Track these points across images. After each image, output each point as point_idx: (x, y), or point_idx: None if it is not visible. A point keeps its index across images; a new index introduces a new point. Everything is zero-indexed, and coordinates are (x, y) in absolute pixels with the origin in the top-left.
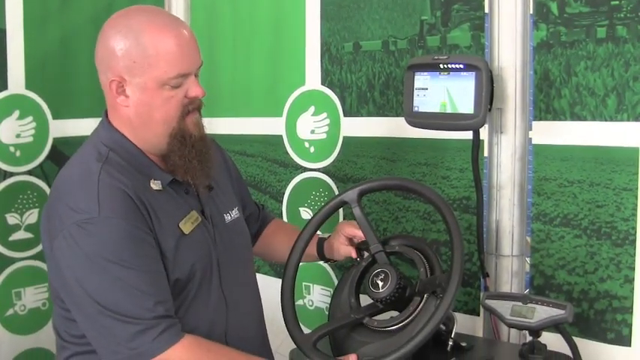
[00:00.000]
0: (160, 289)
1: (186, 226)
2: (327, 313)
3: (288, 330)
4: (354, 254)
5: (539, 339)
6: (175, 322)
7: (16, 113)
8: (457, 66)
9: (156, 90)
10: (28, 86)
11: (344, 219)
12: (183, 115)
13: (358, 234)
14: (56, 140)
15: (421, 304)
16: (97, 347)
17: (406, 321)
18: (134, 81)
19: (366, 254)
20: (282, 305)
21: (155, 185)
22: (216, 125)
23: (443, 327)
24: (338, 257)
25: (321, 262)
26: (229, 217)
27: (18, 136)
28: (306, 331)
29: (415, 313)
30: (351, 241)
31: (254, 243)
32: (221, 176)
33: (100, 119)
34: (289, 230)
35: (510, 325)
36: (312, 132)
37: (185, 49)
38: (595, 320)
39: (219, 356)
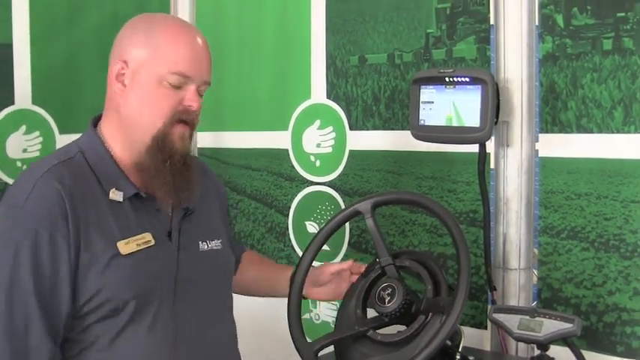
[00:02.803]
0: (53, 315)
1: (127, 246)
2: (333, 327)
3: (291, 336)
4: (346, 264)
5: (547, 352)
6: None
7: (23, 128)
8: (463, 79)
9: (154, 84)
10: (34, 101)
11: (351, 232)
12: (172, 121)
13: (342, 266)
14: None
15: (427, 321)
16: None
17: (410, 337)
18: (134, 68)
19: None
20: (288, 311)
21: (115, 195)
22: (221, 139)
23: (449, 342)
24: (318, 295)
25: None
26: (205, 247)
27: (25, 150)
28: None
29: (420, 329)
30: (338, 275)
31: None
32: (211, 205)
33: None
34: (264, 265)
35: (518, 339)
36: (318, 145)
37: (195, 54)
38: (604, 333)
39: None
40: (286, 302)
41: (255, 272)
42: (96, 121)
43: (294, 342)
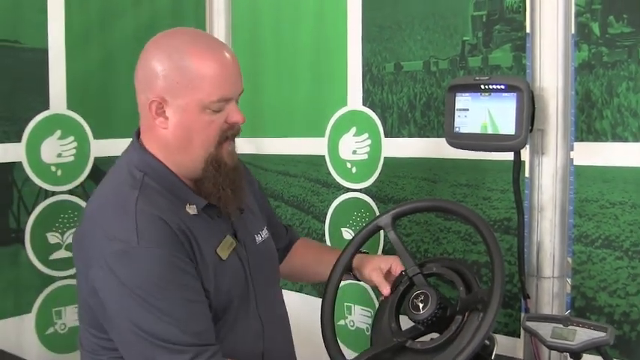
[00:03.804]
0: (203, 319)
1: (223, 252)
2: (367, 333)
3: (330, 357)
4: (386, 291)
5: None
6: (218, 350)
7: (58, 133)
8: (498, 87)
9: (197, 113)
10: (69, 106)
11: (385, 239)
12: (221, 141)
13: (395, 266)
14: (97, 160)
15: (464, 321)
16: None
17: (451, 339)
18: (175, 103)
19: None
20: (322, 332)
21: (191, 210)
22: (259, 145)
23: (481, 352)
24: (361, 277)
25: (362, 282)
26: (260, 238)
27: (59, 155)
28: (346, 350)
29: (459, 329)
30: (387, 273)
31: (280, 262)
32: (249, 197)
33: None
34: (314, 248)
35: (551, 348)
36: (354, 152)
37: (228, 73)
38: (637, 342)
39: None
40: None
41: (310, 255)
42: (137, 134)
43: None
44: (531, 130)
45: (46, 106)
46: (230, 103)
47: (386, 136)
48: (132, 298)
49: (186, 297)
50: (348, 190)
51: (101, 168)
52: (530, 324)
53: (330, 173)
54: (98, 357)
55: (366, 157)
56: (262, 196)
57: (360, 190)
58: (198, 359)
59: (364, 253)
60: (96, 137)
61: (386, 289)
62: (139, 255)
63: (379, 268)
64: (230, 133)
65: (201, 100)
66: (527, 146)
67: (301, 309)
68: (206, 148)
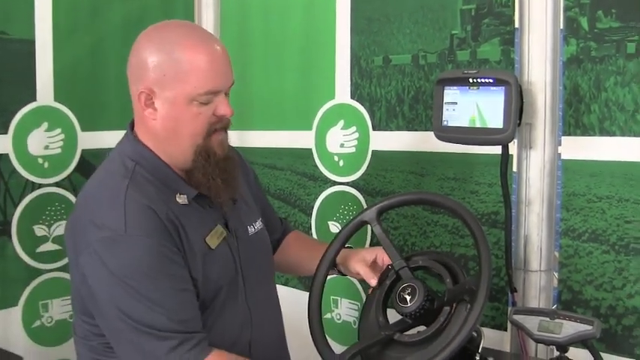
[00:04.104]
0: (190, 307)
1: (213, 241)
2: (354, 326)
3: (318, 351)
4: (373, 282)
5: (566, 354)
6: (205, 337)
7: (45, 125)
8: (487, 80)
9: (185, 105)
10: (57, 98)
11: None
12: (209, 132)
13: (381, 256)
14: (85, 152)
15: (451, 313)
16: None
17: (438, 331)
18: (163, 94)
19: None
20: (310, 326)
21: (181, 199)
22: (246, 138)
23: (468, 344)
24: (347, 271)
25: (349, 277)
26: (253, 229)
27: (46, 147)
28: (333, 344)
29: (446, 322)
30: (373, 264)
31: (273, 253)
32: (243, 187)
33: None
34: (308, 243)
35: (538, 341)
36: (342, 145)
37: (217, 66)
38: (623, 336)
39: None
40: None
41: (304, 251)
42: (131, 125)
43: (321, 355)
44: (519, 124)
45: (33, 98)
46: (219, 95)
47: (374, 129)
48: (119, 286)
49: (173, 285)
50: (335, 183)
51: (89, 160)
52: (517, 317)
53: (317, 166)
54: (89, 342)
55: (353, 150)
56: (258, 186)
57: (347, 184)
58: (184, 346)
59: (348, 247)
60: (83, 129)
61: (373, 280)
62: (126, 243)
63: (364, 260)
64: (219, 125)
65: (188, 92)
66: (515, 140)
67: (287, 302)
68: (194, 139)
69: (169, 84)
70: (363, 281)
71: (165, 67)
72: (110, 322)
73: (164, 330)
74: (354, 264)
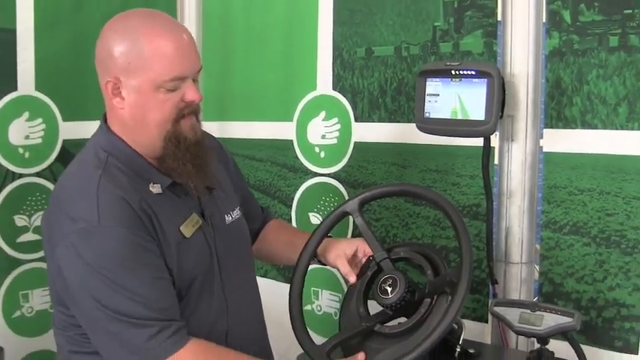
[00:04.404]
0: (167, 295)
1: (187, 230)
2: (335, 318)
3: (299, 342)
4: (352, 279)
5: (546, 346)
6: (184, 325)
7: (26, 114)
8: (469, 72)
9: (151, 93)
10: (37, 87)
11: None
12: (177, 118)
13: (362, 248)
14: (66, 142)
15: (432, 305)
16: (105, 353)
17: (419, 322)
18: (130, 83)
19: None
20: (291, 318)
21: (155, 189)
22: (227, 129)
23: (449, 336)
24: (327, 262)
25: (330, 268)
26: (230, 218)
27: (27, 137)
28: (314, 335)
29: (427, 313)
30: (353, 257)
31: (253, 242)
32: (222, 175)
33: None
34: (289, 232)
35: (518, 333)
36: (323, 137)
37: (181, 53)
38: (603, 328)
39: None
40: (287, 293)
41: (284, 239)
42: (105, 117)
43: (302, 347)
44: (501, 117)
45: (14, 87)
46: (186, 81)
47: (356, 120)
48: (95, 277)
49: (149, 274)
50: (316, 174)
51: (70, 150)
52: (497, 309)
53: (297, 157)
54: (66, 333)
55: (335, 141)
56: (238, 175)
57: (328, 175)
58: (164, 333)
59: (329, 237)
60: (65, 119)
61: (352, 277)
62: (101, 234)
63: (344, 254)
64: (187, 110)
65: (153, 79)
66: (497, 132)
67: (267, 294)
68: (162, 126)
69: (134, 72)
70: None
71: (130, 55)
72: (87, 312)
73: (142, 318)
74: (333, 258)
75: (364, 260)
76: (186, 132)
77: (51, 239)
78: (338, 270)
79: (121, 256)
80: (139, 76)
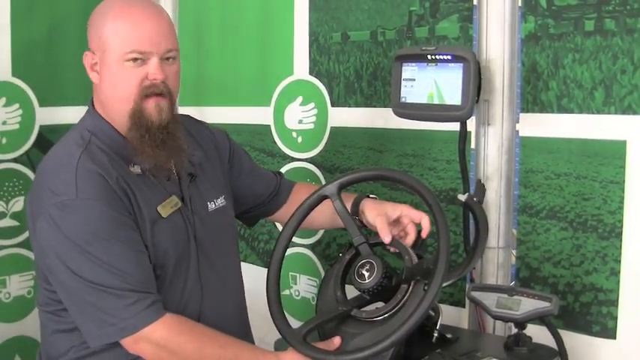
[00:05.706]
0: (144, 268)
1: (165, 210)
2: (313, 303)
3: (276, 326)
4: (387, 239)
5: (524, 331)
6: (160, 299)
7: (3, 100)
8: (445, 57)
9: (117, 66)
10: (14, 73)
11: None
12: (141, 96)
13: (407, 213)
14: (43, 128)
15: (409, 291)
16: (82, 323)
17: (396, 308)
18: (102, 57)
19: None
20: (268, 302)
21: (134, 169)
22: (204, 114)
23: (426, 321)
24: (365, 220)
25: (308, 252)
26: (213, 206)
27: (4, 123)
28: (292, 320)
29: (404, 299)
30: (395, 222)
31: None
32: (208, 163)
33: (86, 107)
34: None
35: (496, 317)
36: (300, 122)
37: (144, 27)
38: (580, 313)
39: (201, 335)
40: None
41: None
42: (92, 101)
43: (279, 331)
44: (477, 101)
45: None
46: (151, 59)
47: (332, 105)
48: (72, 247)
49: (126, 247)
50: (293, 159)
51: (46, 136)
52: (475, 294)
53: (275, 142)
54: (48, 309)
55: (312, 126)
56: (239, 156)
57: (305, 160)
58: (139, 304)
59: (373, 197)
60: (42, 105)
61: (388, 237)
62: (78, 207)
63: (385, 214)
64: (153, 90)
65: (116, 51)
66: (473, 117)
67: (245, 278)
68: (127, 100)
69: (103, 45)
70: (321, 257)
71: (100, 28)
72: (64, 283)
73: (119, 289)
74: (374, 217)
75: (409, 227)
76: (150, 112)
77: (33, 213)
78: (374, 228)
79: (99, 228)
80: (106, 49)
